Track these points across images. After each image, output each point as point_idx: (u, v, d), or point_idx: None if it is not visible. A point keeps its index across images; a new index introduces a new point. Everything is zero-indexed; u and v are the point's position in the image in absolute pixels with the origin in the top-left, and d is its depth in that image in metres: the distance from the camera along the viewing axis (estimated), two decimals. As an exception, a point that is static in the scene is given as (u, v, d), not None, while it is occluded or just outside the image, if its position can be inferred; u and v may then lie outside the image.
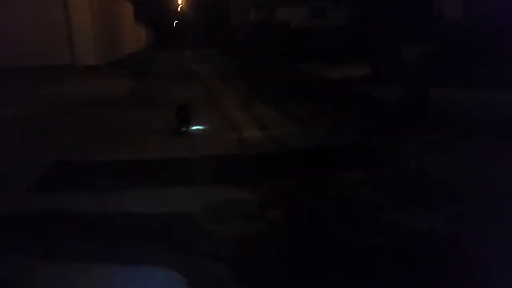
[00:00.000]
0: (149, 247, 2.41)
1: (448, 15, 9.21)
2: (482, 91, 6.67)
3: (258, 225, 2.71)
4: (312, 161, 4.01)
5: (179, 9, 52.96)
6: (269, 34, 15.33)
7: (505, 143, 4.28)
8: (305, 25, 16.46)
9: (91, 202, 3.01)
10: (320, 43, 13.94)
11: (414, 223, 2.63)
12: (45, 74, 9.43)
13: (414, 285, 2.06)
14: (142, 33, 28.32)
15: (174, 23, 57.70)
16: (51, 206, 2.93)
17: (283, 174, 3.64)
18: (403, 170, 3.67)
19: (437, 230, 2.53)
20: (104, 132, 5.14)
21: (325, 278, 2.12)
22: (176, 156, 4.11)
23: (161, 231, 2.63)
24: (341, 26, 16.96)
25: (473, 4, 9.47)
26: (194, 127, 5.24)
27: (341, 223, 2.70)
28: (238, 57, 17.08)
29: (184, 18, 53.00)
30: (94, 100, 7.14)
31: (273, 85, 9.50)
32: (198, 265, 2.23)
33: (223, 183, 3.38)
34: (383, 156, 4.05)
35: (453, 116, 5.44)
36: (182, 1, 51.20)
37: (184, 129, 5.04)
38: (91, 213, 2.85)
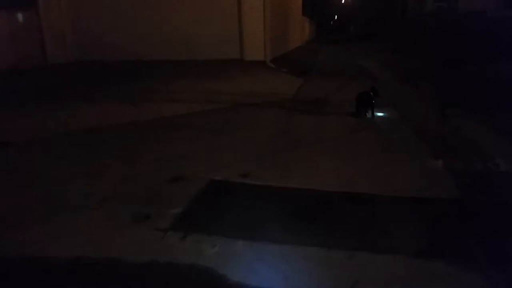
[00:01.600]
0: None
1: None
2: None
3: None
4: None
5: (343, 1, 51.10)
6: (455, 26, 12.71)
7: None
8: (503, 13, 12.92)
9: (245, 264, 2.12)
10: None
11: None
12: (213, 69, 9.38)
13: None
14: (306, 27, 27.89)
15: (336, 16, 56.19)
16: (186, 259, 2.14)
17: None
18: None
19: None
20: (272, 142, 4.28)
21: None
22: (358, 189, 2.97)
23: None
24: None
25: None
26: (380, 113, 5.20)
27: None
28: (414, 53, 14.89)
29: (347, 10, 50.93)
30: (260, 99, 6.50)
31: (470, 89, 7.50)
32: None
33: (440, 256, 2.11)
34: None
35: None
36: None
37: (367, 113, 5.03)
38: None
